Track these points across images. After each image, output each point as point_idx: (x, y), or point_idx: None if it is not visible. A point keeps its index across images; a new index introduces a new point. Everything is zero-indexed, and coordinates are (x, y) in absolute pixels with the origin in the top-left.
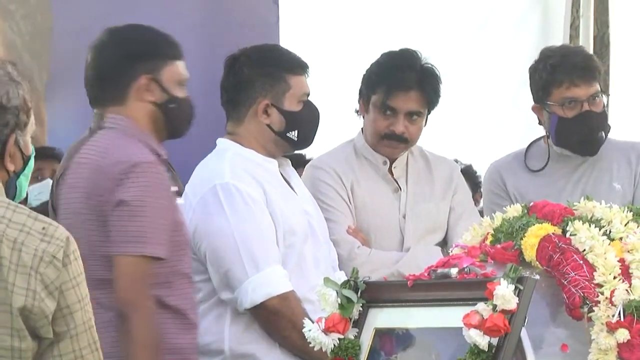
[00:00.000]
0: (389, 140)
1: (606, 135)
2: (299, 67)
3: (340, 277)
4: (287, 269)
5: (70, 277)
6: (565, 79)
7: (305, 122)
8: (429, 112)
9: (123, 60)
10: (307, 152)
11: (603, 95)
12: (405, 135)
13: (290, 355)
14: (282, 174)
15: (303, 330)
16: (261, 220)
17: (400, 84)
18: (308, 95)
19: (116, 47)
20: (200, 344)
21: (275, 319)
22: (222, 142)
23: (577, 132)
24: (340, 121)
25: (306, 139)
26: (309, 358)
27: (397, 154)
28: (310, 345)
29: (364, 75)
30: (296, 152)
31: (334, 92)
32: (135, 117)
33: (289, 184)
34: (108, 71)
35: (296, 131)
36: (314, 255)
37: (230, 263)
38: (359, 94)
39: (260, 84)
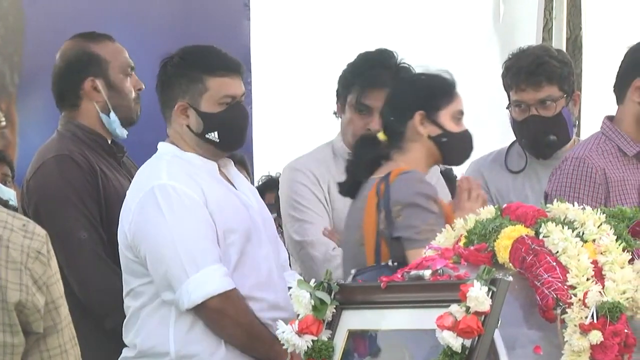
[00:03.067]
0: None
1: (565, 139)
2: (221, 69)
3: (291, 277)
4: (230, 267)
5: (53, 272)
6: (513, 82)
7: (225, 124)
8: None
9: (628, 65)
10: (282, 154)
11: (566, 98)
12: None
13: (236, 355)
14: (226, 175)
15: (276, 332)
16: (200, 220)
17: (375, 81)
18: (233, 97)
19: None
20: (145, 347)
21: (218, 317)
22: (162, 146)
23: (524, 135)
24: (312, 122)
25: (230, 141)
26: (256, 355)
27: None
28: (285, 344)
29: (340, 75)
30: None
31: (305, 93)
32: (623, 117)
33: (232, 184)
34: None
35: (215, 132)
36: (257, 253)
37: (170, 263)
38: (336, 95)
39: (178, 85)
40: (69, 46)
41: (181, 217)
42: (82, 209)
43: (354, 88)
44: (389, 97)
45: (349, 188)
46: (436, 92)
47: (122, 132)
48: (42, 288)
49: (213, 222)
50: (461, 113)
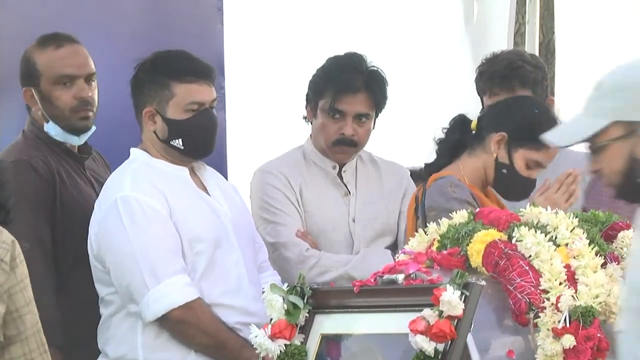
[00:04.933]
0: (340, 146)
1: None
2: (188, 74)
3: (269, 279)
4: (197, 276)
5: (17, 280)
6: (486, 87)
7: (190, 131)
8: (376, 115)
9: None
10: (256, 158)
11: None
12: (355, 137)
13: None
14: (200, 179)
15: (249, 336)
16: (161, 231)
17: (347, 87)
18: (200, 104)
19: None
20: (116, 355)
21: (182, 328)
22: (133, 152)
23: None
24: (285, 126)
25: (194, 148)
26: None
27: (348, 158)
28: (260, 350)
29: (311, 80)
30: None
31: (281, 97)
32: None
33: (205, 189)
34: None
35: (180, 140)
36: (227, 259)
37: (131, 276)
38: (306, 99)
39: (147, 90)
40: (25, 51)
41: (142, 228)
42: (31, 218)
43: (326, 93)
44: (501, 103)
45: (429, 173)
46: (530, 130)
47: (70, 139)
48: (2, 297)
49: (177, 232)
50: (537, 165)
